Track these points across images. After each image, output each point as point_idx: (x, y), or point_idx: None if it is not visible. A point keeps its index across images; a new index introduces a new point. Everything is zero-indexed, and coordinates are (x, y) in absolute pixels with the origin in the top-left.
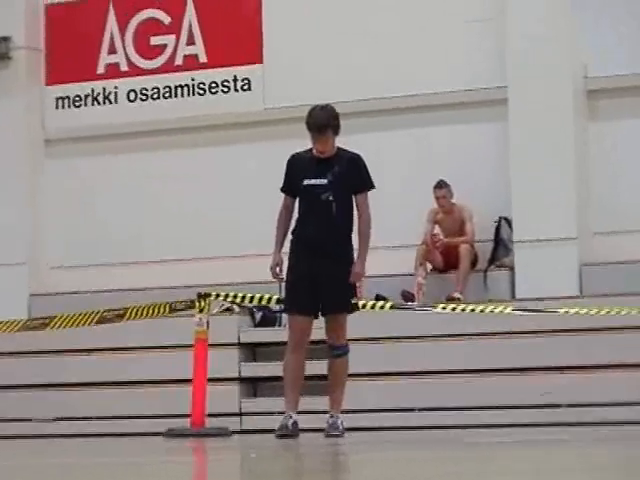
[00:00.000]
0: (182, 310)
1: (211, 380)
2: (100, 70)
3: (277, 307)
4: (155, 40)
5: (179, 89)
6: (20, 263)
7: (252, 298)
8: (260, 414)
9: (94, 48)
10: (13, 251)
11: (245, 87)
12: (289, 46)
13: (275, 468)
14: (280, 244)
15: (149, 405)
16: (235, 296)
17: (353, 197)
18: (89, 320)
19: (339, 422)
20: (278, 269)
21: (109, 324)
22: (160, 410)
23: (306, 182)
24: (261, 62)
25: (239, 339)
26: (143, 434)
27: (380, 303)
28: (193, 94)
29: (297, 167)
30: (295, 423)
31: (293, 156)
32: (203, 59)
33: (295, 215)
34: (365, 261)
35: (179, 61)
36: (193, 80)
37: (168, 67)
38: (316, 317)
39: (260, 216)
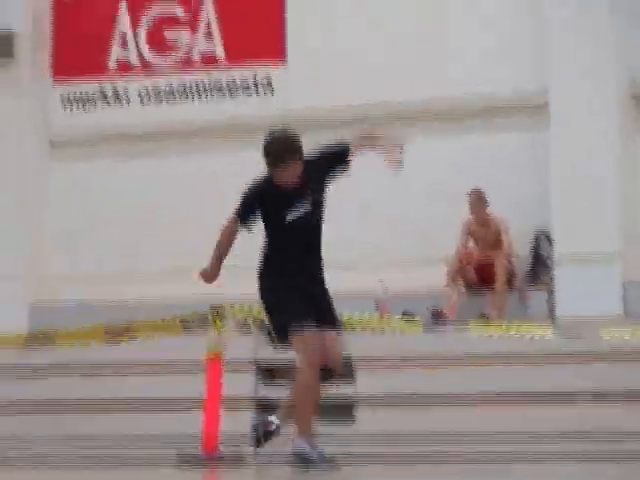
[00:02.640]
0: (195, 326)
1: (226, 402)
2: (111, 67)
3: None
4: (170, 35)
5: (195, 88)
6: (21, 274)
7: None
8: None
9: (104, 43)
10: (14, 261)
11: (266, 87)
12: (313, 45)
13: None
14: (220, 262)
15: (159, 428)
16: (252, 312)
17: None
18: (93, 335)
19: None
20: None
21: (114, 339)
22: (170, 433)
23: (289, 218)
24: (284, 61)
25: (256, 359)
26: (152, 458)
27: (409, 322)
28: (210, 94)
29: (264, 200)
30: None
31: (258, 187)
32: (221, 57)
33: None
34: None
35: (195, 59)
36: (210, 79)
37: (184, 65)
38: None
39: None
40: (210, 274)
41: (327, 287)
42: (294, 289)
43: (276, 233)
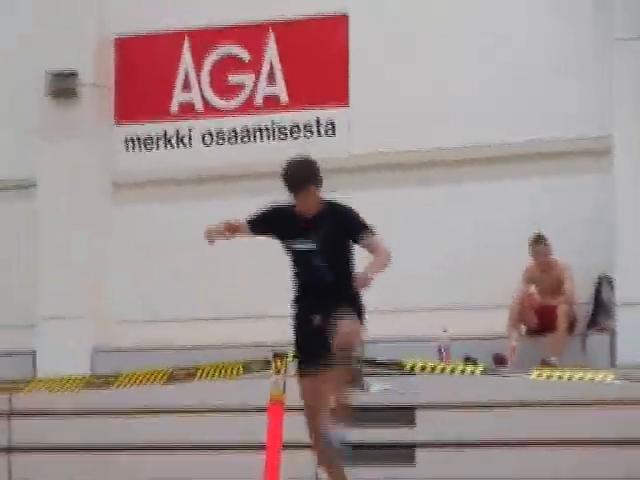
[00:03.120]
0: (257, 371)
1: (286, 447)
2: (173, 109)
3: (358, 366)
4: (233, 78)
5: (258, 132)
6: (83, 316)
7: None
8: None
9: (167, 86)
10: (77, 303)
11: (329, 131)
12: (376, 88)
13: None
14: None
15: (222, 472)
16: None
17: (348, 251)
18: (158, 379)
19: None
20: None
21: (179, 384)
22: (232, 478)
23: (295, 246)
24: (347, 104)
25: None
26: None
27: (470, 367)
28: (273, 138)
29: (278, 222)
30: None
31: (277, 209)
32: (284, 100)
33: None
34: (372, 275)
35: (259, 102)
36: (273, 123)
37: (247, 108)
38: None
39: None
40: (213, 229)
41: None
42: (298, 323)
43: (291, 259)
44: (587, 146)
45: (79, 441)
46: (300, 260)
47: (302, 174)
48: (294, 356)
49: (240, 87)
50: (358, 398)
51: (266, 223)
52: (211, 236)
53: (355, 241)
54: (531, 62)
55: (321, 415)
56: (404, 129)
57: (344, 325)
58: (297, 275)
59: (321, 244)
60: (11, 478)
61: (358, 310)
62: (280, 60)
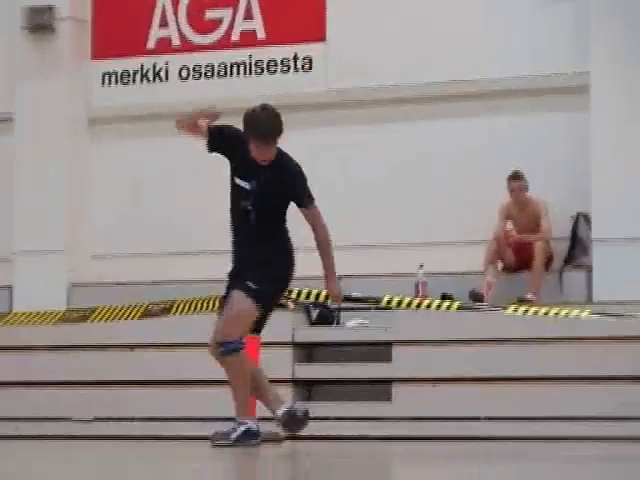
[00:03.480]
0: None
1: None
2: (150, 45)
3: (335, 304)
4: (210, 14)
5: (235, 67)
6: (60, 250)
7: (308, 294)
8: (315, 419)
9: (144, 21)
10: (52, 238)
11: (306, 66)
12: (353, 23)
13: (329, 478)
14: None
15: (195, 406)
16: (290, 291)
17: (283, 205)
18: (133, 313)
19: (234, 429)
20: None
21: (154, 318)
22: (207, 412)
23: (238, 181)
24: (324, 40)
25: (293, 338)
26: (188, 438)
27: (446, 303)
28: (250, 73)
29: (239, 150)
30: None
31: (241, 134)
32: (262, 35)
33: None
34: (335, 277)
35: (235, 37)
36: (250, 58)
37: (224, 43)
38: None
39: (321, 208)
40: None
41: (264, 257)
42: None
43: (230, 192)
44: (565, 83)
45: (56, 375)
46: (236, 196)
47: (278, 127)
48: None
49: (217, 22)
50: (334, 334)
51: (226, 142)
52: (180, 124)
53: (296, 203)
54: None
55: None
56: (381, 65)
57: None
58: (231, 210)
59: (257, 189)
60: None
61: (279, 253)
62: None
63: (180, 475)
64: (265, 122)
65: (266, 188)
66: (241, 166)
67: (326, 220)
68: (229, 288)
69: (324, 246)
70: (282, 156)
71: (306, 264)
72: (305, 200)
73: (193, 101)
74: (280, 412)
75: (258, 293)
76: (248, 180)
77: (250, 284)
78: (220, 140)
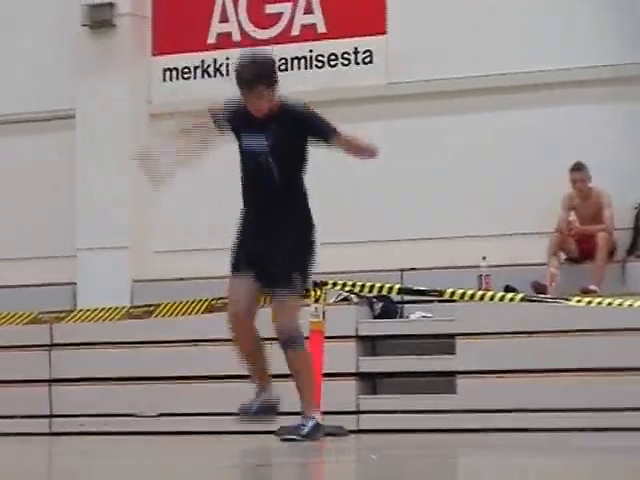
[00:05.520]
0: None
1: (326, 375)
2: (211, 40)
3: (398, 298)
4: (270, 8)
5: (295, 61)
6: (122, 247)
7: (372, 287)
8: (380, 412)
9: (204, 16)
10: (116, 234)
11: (367, 60)
12: (414, 15)
13: (400, 472)
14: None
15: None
16: (353, 285)
17: (302, 157)
18: (196, 309)
19: (304, 425)
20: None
21: (218, 313)
22: None
23: (245, 142)
24: (384, 33)
25: (357, 331)
26: (255, 432)
27: (510, 295)
28: (310, 67)
29: (237, 115)
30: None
31: (235, 101)
32: (322, 29)
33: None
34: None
35: (296, 31)
36: (311, 52)
37: (284, 37)
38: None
39: (382, 201)
40: (147, 153)
41: (292, 234)
42: (244, 230)
43: (240, 159)
44: (629, 73)
45: (119, 372)
46: (249, 160)
47: (252, 71)
48: (232, 259)
49: (277, 17)
50: (397, 327)
51: (227, 115)
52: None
53: (324, 141)
54: None
55: (249, 317)
56: (441, 57)
57: (280, 314)
58: (245, 179)
59: (272, 143)
60: (52, 409)
61: (305, 223)
62: None
63: (256, 471)
64: (238, 70)
65: (281, 138)
66: (246, 129)
67: (389, 211)
68: (254, 266)
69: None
70: (285, 104)
71: (367, 258)
72: (330, 132)
73: None
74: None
75: (303, 278)
76: (260, 138)
77: (293, 277)
78: (218, 115)
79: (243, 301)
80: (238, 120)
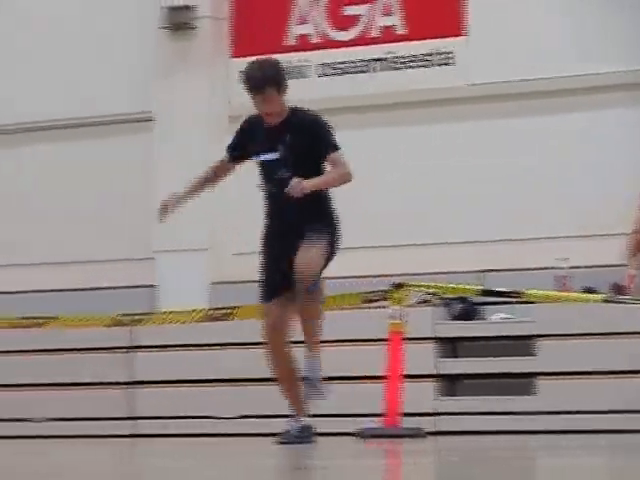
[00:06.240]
0: (376, 301)
1: (406, 377)
2: (289, 42)
3: (478, 299)
4: (349, 10)
5: (375, 63)
6: (202, 249)
7: (452, 289)
8: (459, 414)
9: (282, 18)
10: (195, 236)
11: (447, 61)
12: (494, 16)
13: (479, 474)
14: (190, 189)
15: (339, 403)
16: (433, 286)
17: (318, 161)
18: None
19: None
20: (169, 203)
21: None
22: (351, 409)
23: (262, 157)
24: (465, 34)
25: (437, 333)
26: (332, 434)
27: (591, 296)
28: (390, 69)
29: (250, 134)
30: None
31: (247, 120)
32: (401, 31)
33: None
34: (316, 183)
35: (375, 33)
36: (390, 54)
37: (363, 39)
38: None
39: (463, 202)
40: (167, 202)
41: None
42: (270, 244)
43: (260, 174)
44: None
45: (198, 374)
46: (267, 172)
47: (262, 76)
48: (260, 281)
49: (356, 18)
50: (477, 328)
51: (240, 137)
52: (165, 210)
53: (319, 154)
54: None
55: (285, 338)
56: (522, 58)
57: (301, 256)
58: (265, 191)
59: (286, 153)
60: (132, 411)
61: (329, 225)
62: None
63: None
64: (248, 72)
65: (296, 147)
66: (261, 144)
67: (469, 212)
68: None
69: (333, 175)
70: (295, 111)
71: (447, 260)
72: (331, 146)
73: (332, 97)
74: (300, 423)
75: (333, 231)
76: (274, 150)
77: (322, 227)
78: (233, 150)
79: (280, 321)
80: (252, 134)
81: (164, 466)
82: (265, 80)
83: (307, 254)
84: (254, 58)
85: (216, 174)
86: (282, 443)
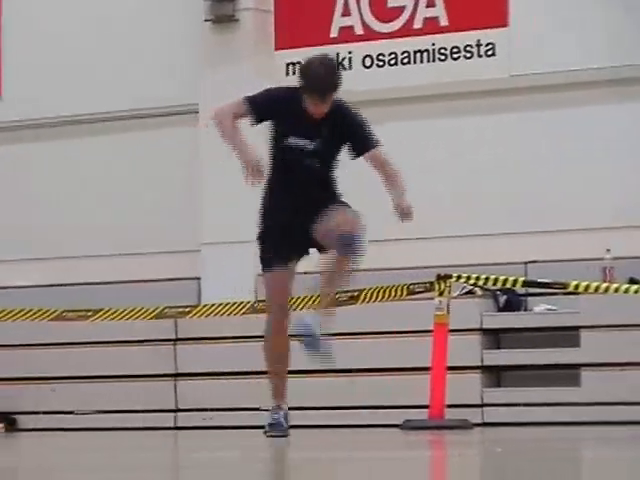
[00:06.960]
0: (421, 292)
1: (451, 369)
2: (333, 34)
3: (523, 290)
4: (392, 2)
5: (418, 54)
6: (246, 242)
7: (496, 280)
8: (504, 405)
9: (327, 10)
10: (240, 229)
11: (490, 52)
12: (536, 7)
13: (525, 465)
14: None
15: (385, 395)
16: (477, 278)
17: (339, 156)
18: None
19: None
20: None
21: (341, 307)
22: (396, 400)
23: (292, 140)
24: (507, 25)
25: (482, 324)
26: (378, 426)
27: (635, 286)
28: (433, 60)
29: (286, 109)
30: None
31: (286, 94)
32: (444, 22)
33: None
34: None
35: (418, 24)
36: (433, 45)
37: (406, 31)
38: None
39: (507, 193)
40: (249, 161)
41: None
42: (281, 220)
43: (276, 155)
44: None
45: (244, 366)
46: (293, 156)
47: (337, 81)
48: (263, 251)
49: (400, 10)
50: (522, 319)
51: (267, 110)
52: (253, 169)
53: (359, 149)
54: None
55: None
56: (563, 49)
57: (340, 212)
58: (282, 168)
59: (322, 147)
60: (177, 404)
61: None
62: None
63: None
64: (324, 78)
65: (332, 142)
66: (293, 125)
67: (514, 203)
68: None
69: (397, 178)
70: (340, 106)
71: (491, 251)
72: (374, 142)
73: (376, 89)
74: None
75: None
76: (309, 138)
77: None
78: (261, 111)
79: (285, 296)
80: (287, 111)
81: (201, 457)
82: (334, 88)
83: (344, 210)
84: (313, 55)
85: (234, 124)
86: (273, 436)
